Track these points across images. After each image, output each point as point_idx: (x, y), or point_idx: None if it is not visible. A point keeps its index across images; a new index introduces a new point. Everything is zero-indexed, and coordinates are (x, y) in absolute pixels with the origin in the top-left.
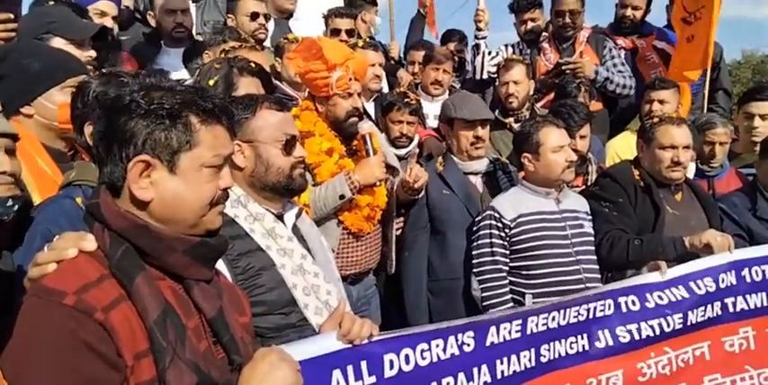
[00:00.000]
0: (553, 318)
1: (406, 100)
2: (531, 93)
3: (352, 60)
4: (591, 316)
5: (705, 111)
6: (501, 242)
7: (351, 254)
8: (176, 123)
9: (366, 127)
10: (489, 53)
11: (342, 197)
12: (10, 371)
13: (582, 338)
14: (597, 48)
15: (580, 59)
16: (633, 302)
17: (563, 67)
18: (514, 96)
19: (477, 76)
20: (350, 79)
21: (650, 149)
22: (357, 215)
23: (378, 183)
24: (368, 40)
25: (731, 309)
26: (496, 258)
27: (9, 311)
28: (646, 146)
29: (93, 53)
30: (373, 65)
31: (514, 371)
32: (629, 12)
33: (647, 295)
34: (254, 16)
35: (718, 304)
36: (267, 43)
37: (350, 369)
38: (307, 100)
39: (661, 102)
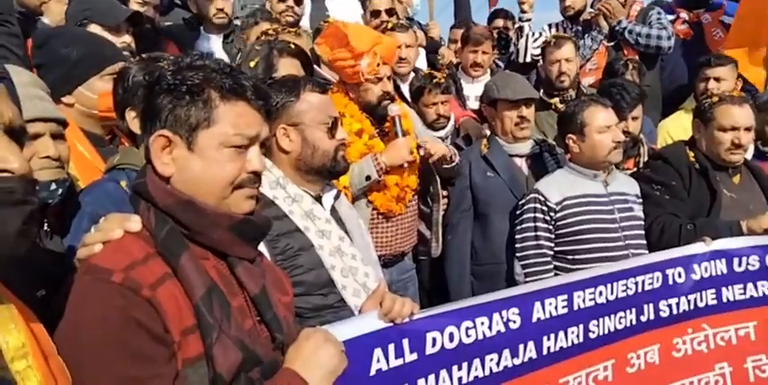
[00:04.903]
0: (600, 293)
1: (434, 80)
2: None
3: (380, 45)
4: (639, 289)
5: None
6: (545, 226)
7: (381, 235)
8: (196, 100)
9: (396, 109)
10: (533, 35)
11: (368, 178)
12: (63, 346)
13: (630, 313)
14: (645, 18)
15: (618, 5)
16: (680, 275)
17: (598, 7)
18: (566, 75)
19: (521, 59)
20: (378, 64)
21: (708, 130)
22: (386, 195)
23: (405, 165)
24: (402, 21)
25: None
26: (540, 242)
27: (59, 290)
28: (703, 126)
29: (128, 39)
30: (399, 47)
31: (561, 348)
32: None
33: (694, 266)
34: None
35: (765, 283)
36: (306, 24)
37: (391, 347)
38: (337, 84)
39: (717, 79)
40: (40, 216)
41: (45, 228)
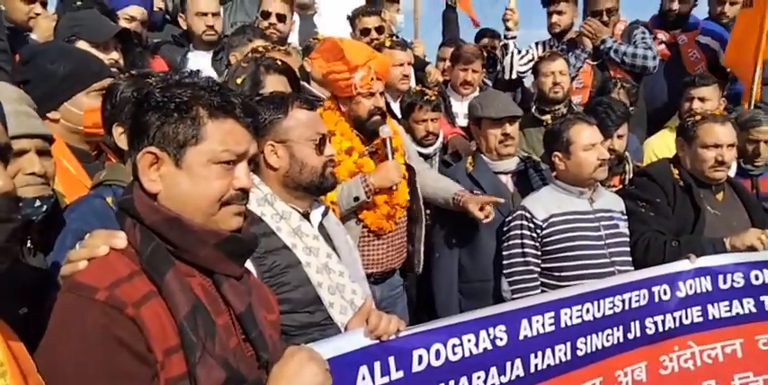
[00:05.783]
0: (587, 311)
1: (425, 98)
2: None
3: (374, 60)
4: (626, 307)
5: (751, 104)
6: (532, 243)
7: (372, 252)
8: (184, 117)
9: (387, 130)
10: (519, 52)
11: (356, 199)
12: (43, 364)
13: (617, 330)
14: (629, 38)
15: (600, 25)
16: (665, 292)
17: (580, 28)
18: (560, 86)
19: (507, 76)
20: (372, 79)
21: (692, 148)
22: (377, 213)
23: (394, 187)
24: (394, 39)
25: None
26: (528, 259)
27: (41, 308)
28: (687, 144)
29: (116, 55)
30: (402, 64)
31: (548, 365)
32: (675, 5)
33: (679, 284)
34: (266, 15)
35: (750, 301)
36: (295, 40)
37: (377, 365)
38: (329, 100)
39: (702, 99)
40: (23, 233)
41: (28, 244)
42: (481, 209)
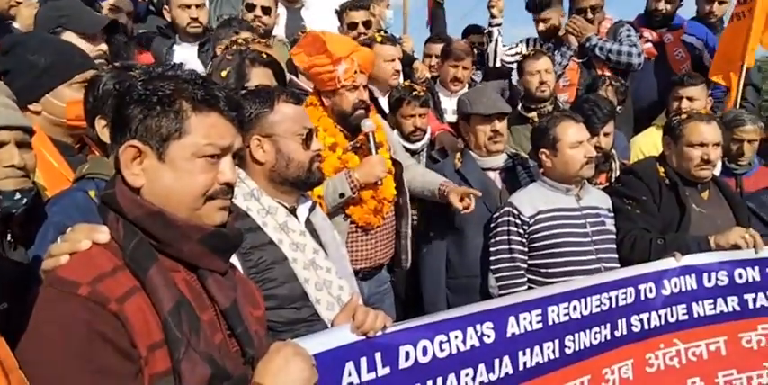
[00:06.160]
0: (575, 308)
1: (414, 93)
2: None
3: (357, 53)
4: (614, 305)
5: (735, 106)
6: (519, 239)
7: (360, 248)
8: (167, 110)
9: (369, 124)
10: (502, 42)
11: (342, 196)
12: (25, 360)
13: (605, 328)
14: (615, 36)
15: (586, 23)
16: (651, 290)
17: (566, 26)
18: (547, 85)
19: (491, 64)
20: (355, 71)
21: (678, 147)
22: (364, 209)
23: (379, 182)
24: (384, 34)
25: (751, 306)
26: (514, 255)
27: (22, 303)
28: (673, 143)
29: (104, 47)
30: (393, 60)
31: (537, 363)
32: (661, 5)
33: (665, 282)
34: (250, 8)
35: (734, 299)
36: (282, 34)
37: (363, 360)
38: (312, 95)
39: (690, 99)
40: (2, 226)
41: (8, 238)
42: (462, 200)
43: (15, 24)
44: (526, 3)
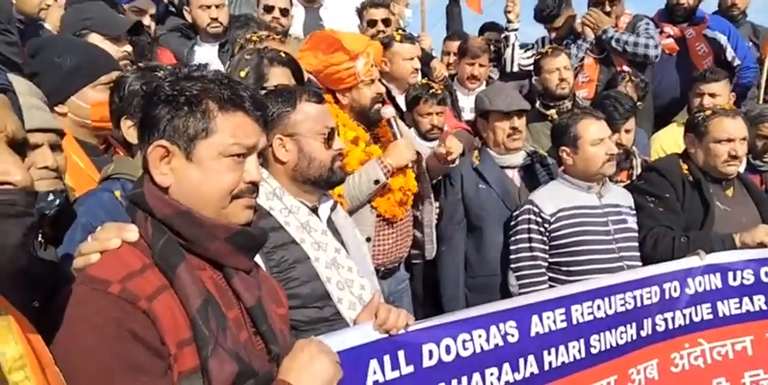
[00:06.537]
0: (599, 307)
1: (431, 91)
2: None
3: (371, 46)
4: (638, 304)
5: (761, 102)
6: (540, 237)
7: (384, 242)
8: (194, 110)
9: (389, 111)
10: (521, 46)
11: (377, 182)
12: (59, 357)
13: (631, 327)
14: (634, 29)
15: (602, 15)
16: (675, 289)
17: (583, 19)
18: (566, 82)
19: (508, 69)
20: (372, 65)
21: (704, 144)
22: (390, 200)
23: (410, 165)
24: (403, 32)
25: None
26: (535, 253)
27: (53, 301)
28: (698, 140)
29: (128, 48)
30: (412, 58)
31: (563, 363)
32: None
33: (689, 280)
34: (269, 9)
35: (760, 298)
36: (300, 33)
37: (386, 358)
38: (325, 94)
39: (712, 95)
40: (38, 227)
41: (40, 238)
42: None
43: (46, 25)
44: (534, 14)
